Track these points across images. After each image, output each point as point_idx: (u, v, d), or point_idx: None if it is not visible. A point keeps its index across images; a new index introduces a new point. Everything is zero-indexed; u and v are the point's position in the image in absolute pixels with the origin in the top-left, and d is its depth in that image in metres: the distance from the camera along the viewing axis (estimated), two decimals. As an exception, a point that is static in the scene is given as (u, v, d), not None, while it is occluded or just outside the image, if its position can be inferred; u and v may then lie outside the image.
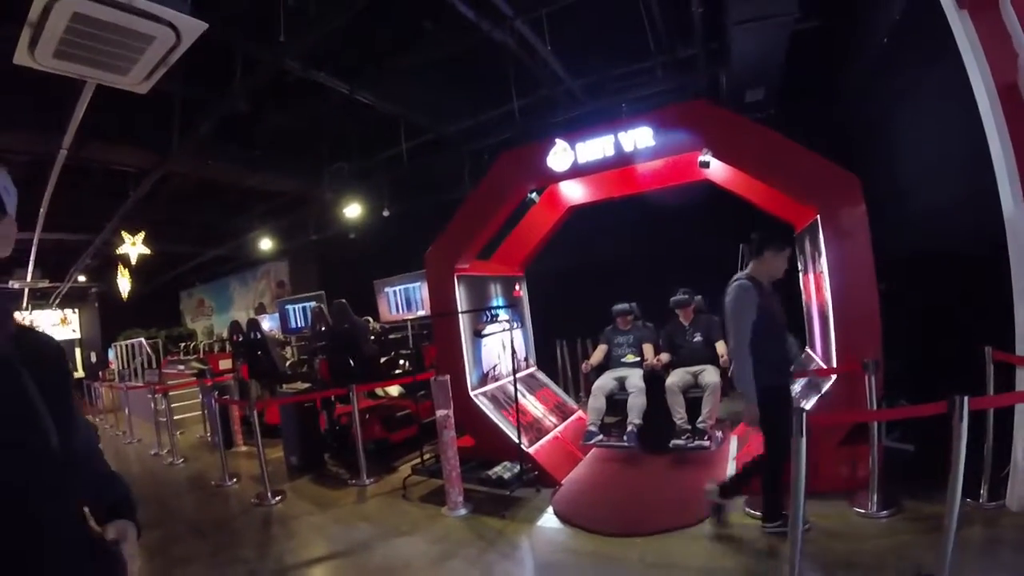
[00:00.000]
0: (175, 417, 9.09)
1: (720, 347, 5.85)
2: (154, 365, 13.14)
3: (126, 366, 14.45)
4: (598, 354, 6.44)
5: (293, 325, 11.93)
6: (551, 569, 3.85)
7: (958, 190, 3.82)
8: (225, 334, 16.52)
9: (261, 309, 11.33)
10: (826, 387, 4.55)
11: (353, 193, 9.88)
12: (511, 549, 4.13)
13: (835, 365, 4.50)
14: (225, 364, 11.40)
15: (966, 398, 2.69)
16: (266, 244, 12.87)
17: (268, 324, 11.06)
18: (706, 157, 4.88)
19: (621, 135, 5.16)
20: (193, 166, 8.44)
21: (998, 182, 3.56)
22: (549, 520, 4.52)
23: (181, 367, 12.78)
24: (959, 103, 3.78)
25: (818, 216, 4.56)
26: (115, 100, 5.30)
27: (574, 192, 6.32)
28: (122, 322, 17.80)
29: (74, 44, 3.54)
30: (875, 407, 4.09)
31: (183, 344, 16.77)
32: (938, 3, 3.74)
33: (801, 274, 5.98)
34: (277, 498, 5.58)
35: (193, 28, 3.62)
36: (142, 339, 13.80)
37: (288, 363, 9.48)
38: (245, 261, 15.98)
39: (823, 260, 4.59)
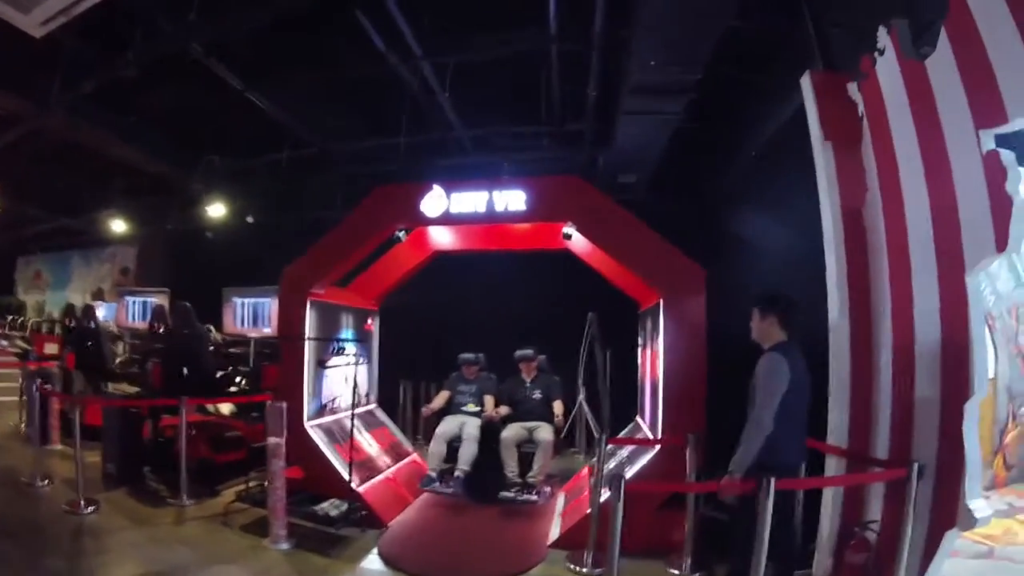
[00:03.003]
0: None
1: (557, 406, 6.14)
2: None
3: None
4: (439, 399, 6.47)
5: (131, 319, 11.07)
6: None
7: (797, 293, 4.29)
8: (57, 314, 15.14)
9: (99, 295, 10.44)
10: (651, 455, 4.91)
11: (221, 191, 9.43)
12: (334, 587, 4.07)
13: (660, 436, 4.89)
14: (51, 348, 10.36)
15: (772, 479, 3.10)
16: (119, 226, 11.88)
17: (104, 313, 10.22)
18: (570, 230, 5.21)
19: (495, 194, 5.38)
20: (67, 123, 7.71)
21: (828, 293, 4.10)
22: (373, 562, 4.50)
23: (4, 343, 11.47)
24: (808, 219, 4.28)
25: (661, 300, 4.96)
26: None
27: (442, 237, 6.43)
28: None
29: None
30: (694, 478, 4.50)
31: (10, 317, 15.11)
32: (805, 129, 4.23)
33: (639, 348, 6.41)
34: (91, 508, 5.13)
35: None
36: None
37: (118, 360, 8.81)
38: (92, 238, 14.70)
39: (660, 339, 5.00)
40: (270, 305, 9.06)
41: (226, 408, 7.18)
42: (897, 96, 3.61)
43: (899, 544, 3.25)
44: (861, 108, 4.01)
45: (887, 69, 3.65)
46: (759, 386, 3.50)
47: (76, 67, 6.49)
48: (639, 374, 6.50)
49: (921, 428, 3.45)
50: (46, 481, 5.81)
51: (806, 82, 4.24)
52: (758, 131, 5.75)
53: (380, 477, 5.77)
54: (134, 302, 11.15)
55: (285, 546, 4.63)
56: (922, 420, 3.44)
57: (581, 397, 6.83)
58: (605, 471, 4.85)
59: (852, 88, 4.09)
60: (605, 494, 4.54)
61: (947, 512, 3.15)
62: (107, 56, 6.18)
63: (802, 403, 3.58)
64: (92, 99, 7.10)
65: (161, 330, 7.19)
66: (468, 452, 5.81)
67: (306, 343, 5.61)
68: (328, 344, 5.85)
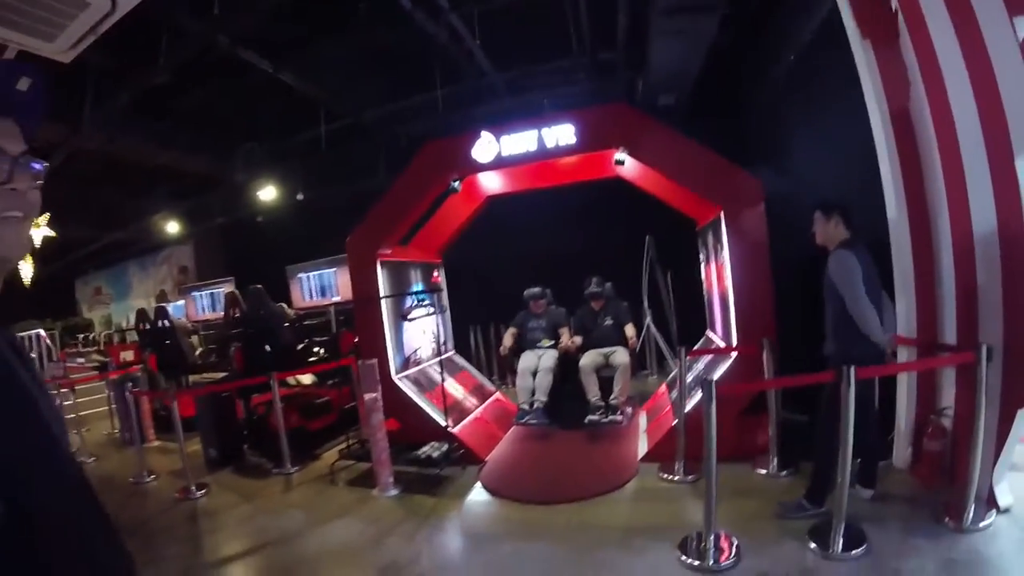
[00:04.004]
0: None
1: (629, 329, 6.31)
2: (54, 358, 12.28)
3: (24, 360, 13.33)
4: (508, 338, 6.66)
5: (200, 312, 11.50)
6: (485, 538, 4.03)
7: (849, 195, 4.30)
8: (125, 324, 15.72)
9: (163, 296, 10.89)
10: (727, 364, 5.06)
11: (266, 176, 9.64)
12: (446, 523, 4.28)
13: (735, 345, 5.01)
14: (127, 356, 10.86)
15: (852, 368, 3.19)
16: (171, 227, 12.26)
17: (172, 311, 10.62)
18: (621, 156, 5.25)
19: (544, 131, 5.41)
20: (104, 141, 7.92)
21: (884, 191, 4.10)
22: (478, 494, 4.71)
23: (81, 360, 12.05)
24: (853, 122, 4.27)
25: (721, 213, 5.04)
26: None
27: (493, 183, 6.50)
28: (14, 312, 16.43)
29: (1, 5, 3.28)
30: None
31: (81, 335, 15.77)
32: (843, 32, 4.17)
33: (703, 264, 6.50)
34: (201, 491, 5.34)
35: (129, -3, 3.41)
36: (40, 331, 12.81)
37: (197, 352, 9.22)
38: (145, 245, 15.16)
39: (724, 252, 5.10)
40: (334, 275, 9.35)
41: (307, 378, 7.51)
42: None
43: (974, 427, 3.33)
44: (894, 3, 3.93)
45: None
46: (840, 284, 3.60)
47: (104, 84, 6.59)
48: (705, 289, 6.60)
49: (985, 313, 3.52)
50: (152, 476, 6.04)
51: (837, -19, 4.15)
52: (793, 39, 5.67)
53: (470, 417, 6.01)
54: (200, 295, 11.57)
55: (393, 492, 4.85)
56: (986, 306, 3.51)
57: (648, 319, 6.94)
58: (686, 383, 4.99)
59: (884, -17, 3.99)
60: (689, 405, 4.75)
61: (1017, 392, 3.26)
62: (134, 67, 6.27)
63: (876, 296, 3.68)
64: (125, 112, 7.22)
65: (237, 315, 7.45)
66: (544, 382, 6.00)
67: (383, 301, 5.83)
68: (406, 298, 6.05)
